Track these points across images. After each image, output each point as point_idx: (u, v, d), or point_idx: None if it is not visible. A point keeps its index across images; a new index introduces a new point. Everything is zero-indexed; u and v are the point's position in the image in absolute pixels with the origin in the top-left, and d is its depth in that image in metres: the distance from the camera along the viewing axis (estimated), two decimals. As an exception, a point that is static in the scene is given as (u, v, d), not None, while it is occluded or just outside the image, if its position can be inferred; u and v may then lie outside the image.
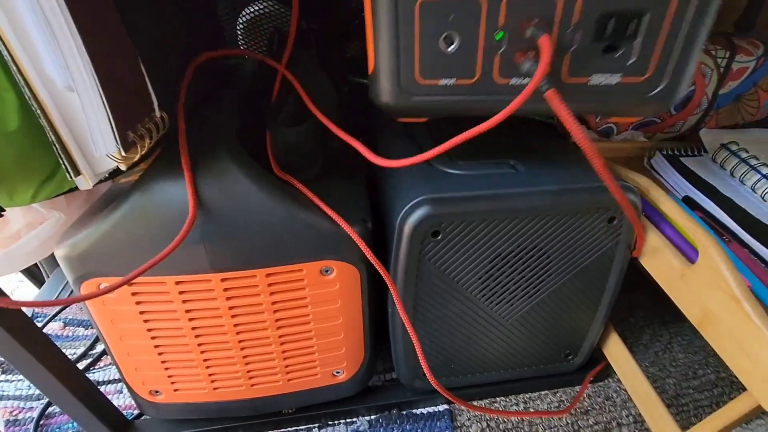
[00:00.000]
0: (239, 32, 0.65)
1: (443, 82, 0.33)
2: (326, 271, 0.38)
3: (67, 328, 0.65)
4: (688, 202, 0.47)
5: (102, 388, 0.56)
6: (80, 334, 0.64)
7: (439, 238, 0.39)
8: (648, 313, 0.64)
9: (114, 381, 0.56)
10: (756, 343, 0.32)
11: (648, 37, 0.31)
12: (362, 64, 0.67)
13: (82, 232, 0.34)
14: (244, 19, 0.63)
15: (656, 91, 0.33)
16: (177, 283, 0.36)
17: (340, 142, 0.44)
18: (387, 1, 0.30)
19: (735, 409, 0.35)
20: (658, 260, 0.42)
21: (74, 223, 0.37)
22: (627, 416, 0.50)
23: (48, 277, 0.79)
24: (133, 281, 0.35)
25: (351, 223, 0.37)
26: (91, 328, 0.65)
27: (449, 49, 0.31)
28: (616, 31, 0.30)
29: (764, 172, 0.47)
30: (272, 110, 0.44)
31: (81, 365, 0.59)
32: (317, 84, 0.46)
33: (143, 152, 0.28)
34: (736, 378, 0.55)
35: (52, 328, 0.65)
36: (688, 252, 0.40)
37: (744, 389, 0.34)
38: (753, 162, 0.49)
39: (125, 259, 0.34)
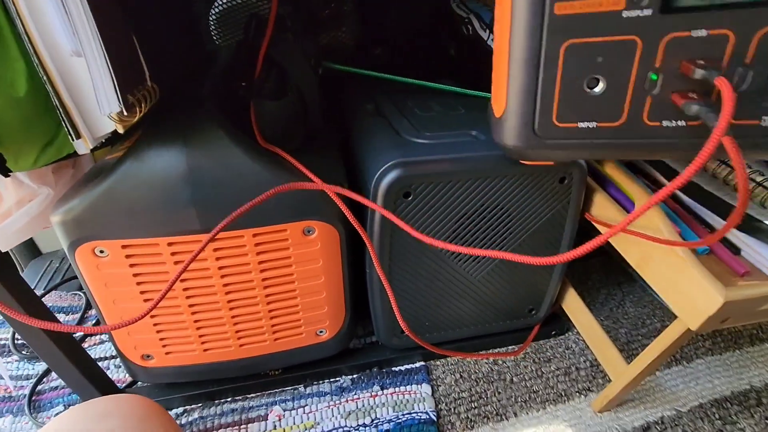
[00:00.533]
0: (212, 22, 0.68)
1: (583, 125, 0.30)
2: (308, 231, 0.42)
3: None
4: (630, 166, 0.53)
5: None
6: (61, 320, 0.65)
7: (410, 198, 0.43)
8: (603, 276, 0.70)
9: (102, 359, 0.58)
10: (683, 276, 0.38)
11: None
12: (334, 50, 0.71)
13: (76, 198, 0.36)
14: (216, 9, 0.66)
15: None
16: (169, 244, 0.39)
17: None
18: (529, 43, 0.28)
19: (670, 334, 0.41)
20: (604, 214, 0.48)
21: (67, 192, 0.39)
22: (584, 361, 0.56)
23: (23, 270, 0.79)
24: (127, 244, 0.37)
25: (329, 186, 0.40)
26: (73, 313, 0.66)
27: (594, 91, 0.29)
28: None
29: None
30: (257, 86, 0.47)
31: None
32: (297, 64, 0.49)
33: (139, 116, 0.31)
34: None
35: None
36: (628, 205, 0.46)
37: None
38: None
39: (120, 222, 0.37)
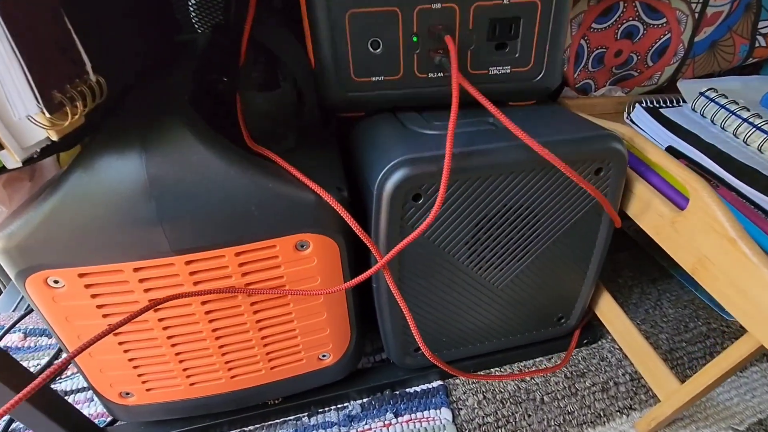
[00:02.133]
0: (192, 6, 0.60)
1: (374, 79, 0.39)
2: (302, 246, 0.35)
3: (28, 338, 0.60)
4: (672, 152, 0.46)
5: (71, 398, 0.52)
6: (43, 343, 0.60)
7: (420, 201, 0.36)
8: (635, 273, 0.63)
9: (84, 389, 0.52)
10: (754, 283, 0.31)
11: (526, 36, 0.39)
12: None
13: (18, 220, 0.30)
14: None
15: (539, 77, 0.41)
16: (136, 270, 0.32)
17: (315, 111, 0.41)
18: (321, 12, 0.35)
19: (737, 351, 0.34)
20: (647, 211, 0.41)
21: (12, 213, 0.33)
22: (623, 375, 0.50)
23: (4, 287, 0.73)
24: (85, 272, 0.31)
25: (326, 191, 0.34)
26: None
27: (377, 51, 0.38)
28: (502, 32, 0.38)
29: (745, 116, 0.46)
30: (242, 75, 0.40)
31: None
32: (290, 49, 0.42)
33: (75, 118, 0.25)
34: (727, 327, 0.55)
35: (12, 340, 0.60)
36: (677, 199, 0.39)
37: (737, 336, 0.33)
38: (732, 107, 0.48)
39: (73, 247, 0.31)
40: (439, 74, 0.40)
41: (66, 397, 0.51)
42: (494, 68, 0.40)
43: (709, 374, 0.37)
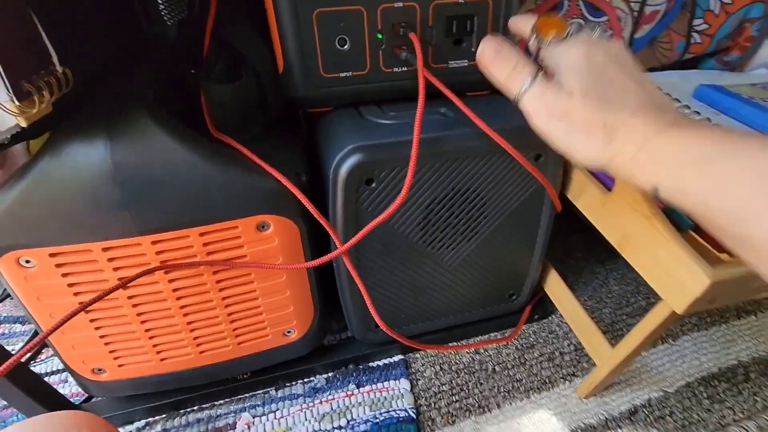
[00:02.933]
0: (159, 1, 0.62)
1: (343, 75, 0.40)
2: (263, 227, 0.38)
3: (2, 325, 0.62)
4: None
5: (46, 380, 0.54)
6: (17, 330, 0.61)
7: (373, 185, 0.39)
8: (586, 254, 0.68)
9: (57, 371, 0.54)
10: (666, 255, 0.35)
11: (480, 32, 0.42)
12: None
13: (-11, 202, 0.32)
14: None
15: None
16: (104, 249, 0.34)
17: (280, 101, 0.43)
18: (288, 11, 0.37)
19: (655, 317, 0.38)
20: (583, 193, 0.45)
21: (-17, 197, 0.34)
22: (568, 345, 0.54)
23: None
24: (55, 252, 0.33)
25: (284, 176, 0.36)
26: (29, 323, 0.62)
27: (344, 48, 0.39)
28: (459, 29, 0.41)
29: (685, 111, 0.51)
30: (205, 67, 0.42)
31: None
32: (251, 43, 0.44)
33: (42, 106, 0.27)
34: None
35: (-14, 327, 0.61)
36: (607, 182, 0.43)
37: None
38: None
39: (44, 228, 0.33)
40: (403, 68, 0.42)
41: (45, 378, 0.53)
42: (453, 62, 0.43)
43: (634, 338, 0.41)
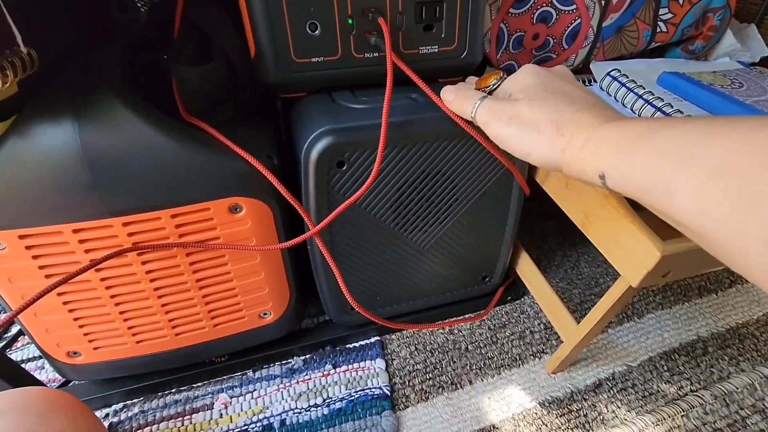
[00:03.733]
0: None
1: (314, 60, 0.41)
2: (235, 209, 0.39)
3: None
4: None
5: (28, 365, 0.54)
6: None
7: (344, 168, 0.40)
8: (560, 239, 0.70)
9: (33, 359, 0.54)
10: (621, 231, 0.37)
11: (449, 18, 0.43)
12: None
13: (-44, 184, 0.32)
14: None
15: (463, 54, 0.45)
16: (75, 231, 0.35)
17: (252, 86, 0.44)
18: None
19: (614, 292, 0.40)
20: (549, 176, 0.47)
21: (-50, 180, 0.34)
22: (538, 325, 0.56)
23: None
24: (25, 233, 0.33)
25: (256, 158, 0.37)
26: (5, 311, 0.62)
27: (315, 33, 0.39)
28: (428, 15, 0.41)
29: (639, 93, 0.53)
30: (174, 50, 0.42)
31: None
32: (220, 27, 0.44)
33: (6, 86, 0.27)
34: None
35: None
36: (573, 165, 0.45)
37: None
38: (631, 86, 0.54)
39: (12, 210, 0.33)
40: (374, 54, 0.42)
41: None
42: (423, 48, 0.44)
43: (596, 313, 0.43)
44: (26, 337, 0.51)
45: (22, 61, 0.29)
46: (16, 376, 0.42)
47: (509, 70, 0.61)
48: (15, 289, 0.37)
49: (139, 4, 0.61)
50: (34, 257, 0.35)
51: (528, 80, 0.32)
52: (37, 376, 0.52)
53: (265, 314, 0.47)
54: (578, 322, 0.48)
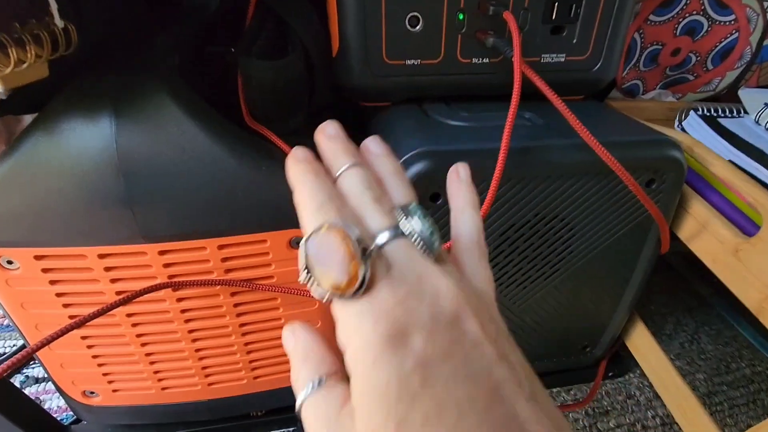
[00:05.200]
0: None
1: (409, 62, 0.33)
2: (297, 244, 0.30)
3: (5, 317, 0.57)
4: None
5: (43, 386, 0.48)
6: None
7: (439, 203, 0.31)
8: (669, 300, 0.57)
9: (47, 379, 0.48)
10: None
11: (586, 20, 0.34)
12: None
13: (-33, 187, 0.25)
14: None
15: (596, 67, 0.36)
16: (101, 256, 0.28)
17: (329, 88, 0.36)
18: None
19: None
20: (703, 234, 0.35)
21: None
22: (653, 417, 0.44)
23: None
24: (42, 254, 0.27)
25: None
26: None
27: (415, 29, 0.32)
28: (561, 14, 0.33)
29: (823, 133, 0.40)
30: (245, 39, 0.35)
31: (22, 359, 0.51)
32: (301, 15, 0.37)
33: (22, 66, 0.20)
34: (782, 374, 0.49)
35: (-10, 317, 0.56)
36: (743, 224, 0.33)
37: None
38: (806, 122, 0.42)
39: (29, 224, 0.26)
40: (484, 59, 0.34)
41: (36, 384, 0.47)
42: (548, 55, 0.35)
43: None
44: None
45: (53, 37, 0.22)
46: (22, 413, 0.35)
47: (632, 91, 0.50)
48: (28, 317, 0.30)
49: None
50: (52, 282, 0.29)
51: (370, 375, 0.13)
52: (54, 401, 0.46)
53: (315, 368, 0.38)
54: (713, 421, 0.36)
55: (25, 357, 0.27)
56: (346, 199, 0.15)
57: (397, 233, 0.14)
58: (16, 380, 0.49)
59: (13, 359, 0.25)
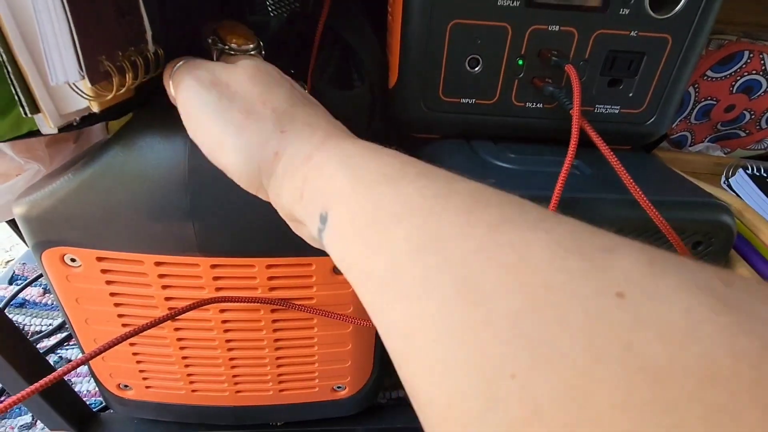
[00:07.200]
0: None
1: (464, 101, 0.34)
2: (339, 272, 0.31)
3: (47, 295, 0.59)
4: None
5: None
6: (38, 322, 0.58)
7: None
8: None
9: (87, 362, 0.50)
10: None
11: (645, 75, 0.34)
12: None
13: (45, 189, 0.27)
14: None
15: (650, 121, 0.36)
16: (157, 263, 0.29)
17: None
18: (421, 17, 0.31)
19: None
20: None
21: (43, 177, 0.30)
22: None
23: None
24: (104, 256, 0.28)
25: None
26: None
27: (474, 70, 0.33)
28: (620, 67, 0.33)
29: None
30: (316, 68, 0.36)
31: (56, 338, 0.53)
32: (368, 45, 0.38)
33: (121, 91, 0.21)
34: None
35: (31, 294, 0.59)
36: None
37: None
38: None
39: (97, 228, 0.28)
40: (538, 105, 0.35)
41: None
42: (602, 106, 0.35)
43: None
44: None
45: (146, 62, 0.23)
46: (53, 391, 0.37)
47: (680, 143, 0.50)
48: (81, 311, 0.32)
49: (269, 8, 0.58)
50: (108, 282, 0.30)
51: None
52: (87, 384, 0.48)
53: (339, 387, 0.39)
54: None
55: (83, 362, 0.28)
56: None
57: None
58: (51, 359, 0.52)
59: (73, 362, 0.27)
